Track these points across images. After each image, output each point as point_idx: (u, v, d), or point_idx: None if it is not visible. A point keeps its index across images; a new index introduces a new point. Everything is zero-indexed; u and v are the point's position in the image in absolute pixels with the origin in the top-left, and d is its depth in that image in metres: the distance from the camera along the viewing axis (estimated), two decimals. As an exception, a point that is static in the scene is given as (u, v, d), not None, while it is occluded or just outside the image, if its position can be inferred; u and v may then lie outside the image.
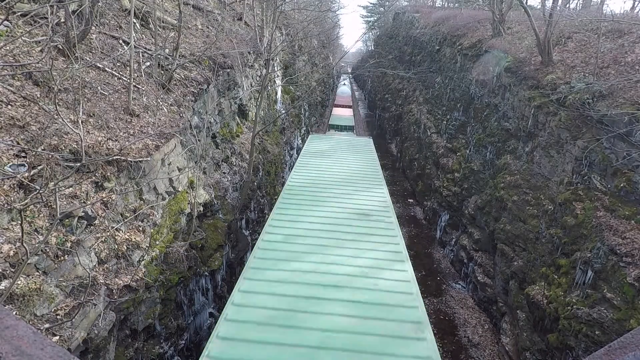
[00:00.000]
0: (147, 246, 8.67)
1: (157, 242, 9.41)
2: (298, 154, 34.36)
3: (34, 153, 6.79)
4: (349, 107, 46.57)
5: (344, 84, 67.77)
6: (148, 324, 8.80)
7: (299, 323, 5.53)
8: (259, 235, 18.78)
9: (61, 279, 6.43)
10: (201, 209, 12.34)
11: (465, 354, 15.46)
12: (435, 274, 20.53)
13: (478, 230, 18.80)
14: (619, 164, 11.88)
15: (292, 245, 8.01)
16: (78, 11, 9.70)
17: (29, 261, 5.52)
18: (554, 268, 12.83)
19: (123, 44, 11.84)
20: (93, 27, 10.81)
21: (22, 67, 8.08)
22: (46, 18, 9.23)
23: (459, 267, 20.21)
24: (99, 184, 7.85)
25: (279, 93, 27.57)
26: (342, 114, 39.22)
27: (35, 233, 6.25)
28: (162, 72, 12.31)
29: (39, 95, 8.04)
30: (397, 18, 54.49)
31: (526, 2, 20.45)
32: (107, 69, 10.55)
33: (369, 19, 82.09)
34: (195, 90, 13.08)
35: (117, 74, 10.72)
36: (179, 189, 10.99)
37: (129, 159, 8.54)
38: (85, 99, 9.04)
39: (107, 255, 7.56)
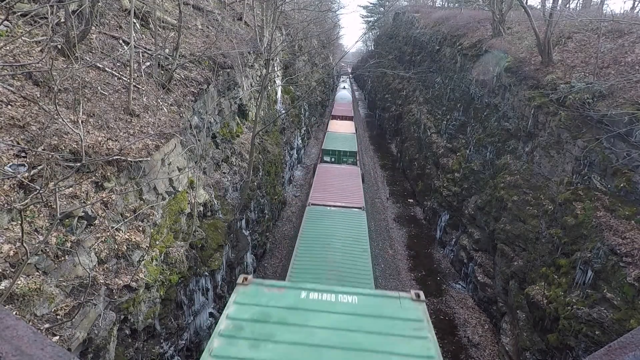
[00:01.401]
0: (147, 246, 8.67)
1: (157, 242, 9.41)
2: (298, 154, 34.13)
3: (34, 153, 6.79)
4: (350, 118, 36.35)
5: (344, 88, 56.32)
6: (148, 324, 8.80)
7: None
8: (259, 235, 19.00)
9: (61, 279, 6.43)
10: (201, 209, 12.34)
11: (465, 354, 15.46)
12: (435, 274, 20.53)
13: (478, 230, 18.80)
14: (619, 164, 11.88)
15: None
16: (78, 11, 9.70)
17: (29, 261, 5.52)
18: (554, 268, 12.83)
19: (123, 44, 11.84)
20: (93, 27, 10.81)
21: (22, 67, 8.08)
22: (46, 18, 9.23)
23: (459, 267, 20.21)
24: (99, 184, 7.85)
25: (279, 93, 27.58)
26: (341, 131, 29.98)
27: (35, 233, 6.25)
28: (162, 72, 12.31)
29: (39, 95, 8.04)
30: (397, 18, 54.52)
31: (526, 2, 20.47)
32: (107, 69, 10.55)
33: (369, 19, 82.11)
34: (195, 90, 13.08)
35: (117, 74, 10.72)
36: (179, 189, 10.99)
37: (129, 159, 8.54)
38: (85, 99, 9.04)
39: (107, 255, 7.56)
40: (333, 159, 23.97)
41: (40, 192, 5.56)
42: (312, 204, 15.86)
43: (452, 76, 26.88)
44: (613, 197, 11.91)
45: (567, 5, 23.25)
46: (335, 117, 36.32)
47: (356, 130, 32.21)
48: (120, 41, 11.92)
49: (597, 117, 12.73)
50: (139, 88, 10.98)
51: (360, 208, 15.82)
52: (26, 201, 6.04)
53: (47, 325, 5.89)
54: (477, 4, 39.06)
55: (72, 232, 6.89)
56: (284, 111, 27.50)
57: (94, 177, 7.70)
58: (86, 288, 6.52)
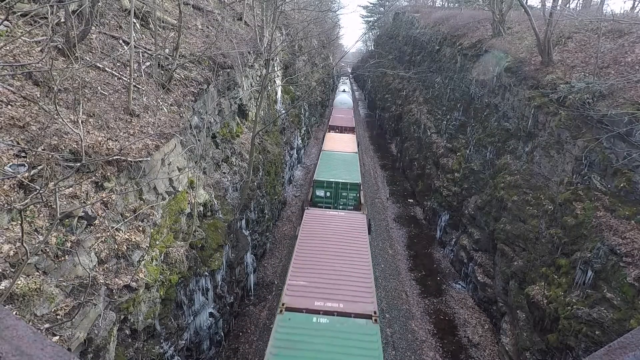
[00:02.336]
0: (147, 246, 8.67)
1: (157, 242, 9.41)
2: (298, 154, 33.96)
3: (34, 153, 6.79)
4: (351, 130, 30.18)
5: (344, 90, 48.69)
6: (148, 324, 8.80)
7: None
8: (259, 235, 18.97)
9: (61, 279, 6.43)
10: (201, 209, 12.34)
11: (465, 354, 15.46)
12: (435, 274, 20.53)
13: (478, 230, 18.80)
14: (619, 164, 11.88)
15: None
16: (78, 11, 9.70)
17: (29, 261, 5.52)
18: (554, 268, 12.83)
19: (123, 44, 11.84)
20: (93, 27, 10.80)
21: (22, 67, 8.08)
22: (46, 18, 9.23)
23: (459, 267, 20.22)
24: (99, 184, 7.85)
25: (279, 93, 27.58)
26: (339, 150, 23.34)
27: (35, 233, 6.25)
28: (162, 72, 12.31)
29: (39, 95, 8.04)
30: (397, 18, 54.54)
31: (526, 2, 20.47)
32: (107, 69, 10.55)
33: (369, 19, 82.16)
34: (195, 90, 13.09)
35: (117, 74, 10.72)
36: (179, 189, 10.99)
37: (129, 159, 8.54)
38: (85, 99, 9.04)
39: (107, 255, 7.56)
40: (328, 194, 18.49)
41: (40, 192, 5.56)
42: (288, 308, 9.90)
43: (452, 76, 26.88)
44: (613, 197, 11.90)
45: (567, 5, 23.24)
46: (333, 128, 29.86)
47: (359, 145, 25.95)
48: (120, 41, 11.92)
49: (597, 117, 12.73)
50: (139, 88, 10.98)
51: (370, 317, 9.81)
52: (26, 201, 6.04)
53: (47, 325, 5.89)
54: (477, 4, 39.07)
55: (72, 232, 6.89)
56: (284, 111, 27.49)
57: (94, 177, 7.70)
58: (86, 288, 6.51)
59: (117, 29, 12.37)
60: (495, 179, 17.96)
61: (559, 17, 17.03)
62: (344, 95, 43.82)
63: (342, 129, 29.83)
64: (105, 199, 7.81)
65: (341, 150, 23.39)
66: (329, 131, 29.58)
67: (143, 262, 8.48)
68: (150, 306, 8.86)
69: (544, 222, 14.24)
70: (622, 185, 11.62)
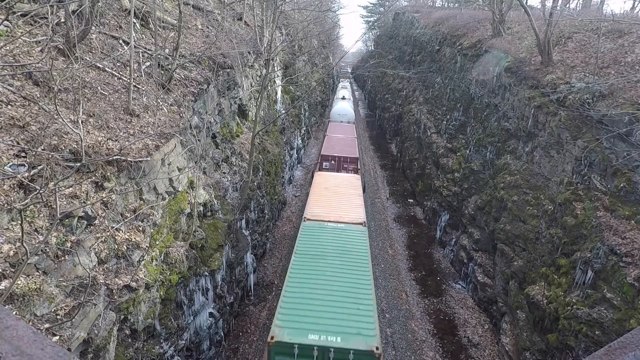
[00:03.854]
0: (147, 246, 8.67)
1: (157, 242, 9.41)
2: (298, 154, 33.90)
3: (34, 153, 6.79)
4: (354, 164, 20.26)
5: (343, 97, 38.18)
6: (148, 324, 8.80)
7: None
8: (259, 235, 18.97)
9: (61, 279, 6.43)
10: (201, 209, 12.35)
11: (465, 354, 15.46)
12: (435, 274, 20.53)
13: (478, 230, 18.79)
14: (619, 164, 11.88)
15: None
16: (78, 11, 9.70)
17: (29, 261, 5.52)
18: (554, 268, 12.83)
19: (123, 44, 11.84)
20: (93, 27, 10.80)
21: (22, 67, 8.08)
22: (46, 18, 9.23)
23: (459, 267, 20.21)
24: (99, 184, 7.85)
25: (279, 93, 27.58)
26: (333, 220, 12.83)
27: (35, 233, 6.25)
28: (162, 72, 12.31)
29: (39, 95, 8.04)
30: (397, 18, 54.52)
31: (526, 2, 20.46)
32: (107, 69, 10.55)
33: (369, 19, 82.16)
34: (195, 90, 13.09)
35: (117, 74, 10.72)
36: (179, 189, 10.99)
37: (129, 159, 8.54)
38: (85, 99, 9.04)
39: (107, 255, 7.56)
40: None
41: (40, 192, 5.55)
42: None
43: (452, 76, 26.88)
44: (613, 197, 11.90)
45: (567, 5, 23.25)
46: (326, 160, 19.60)
47: (364, 189, 16.31)
48: (120, 41, 11.92)
49: (597, 117, 12.73)
50: (139, 88, 10.98)
51: None
52: (26, 201, 6.03)
53: (47, 325, 5.89)
54: (477, 4, 39.02)
55: (72, 232, 6.89)
56: (284, 111, 27.48)
57: (94, 177, 7.70)
58: (86, 288, 6.51)
59: (117, 29, 12.37)
60: (495, 179, 17.96)
61: (559, 17, 17.04)
62: (344, 104, 33.19)
63: (340, 163, 19.27)
64: (105, 199, 7.81)
65: (337, 220, 12.89)
66: (321, 167, 18.82)
67: (143, 262, 8.48)
68: (150, 306, 8.86)
69: (544, 222, 14.24)
70: (622, 185, 11.63)
